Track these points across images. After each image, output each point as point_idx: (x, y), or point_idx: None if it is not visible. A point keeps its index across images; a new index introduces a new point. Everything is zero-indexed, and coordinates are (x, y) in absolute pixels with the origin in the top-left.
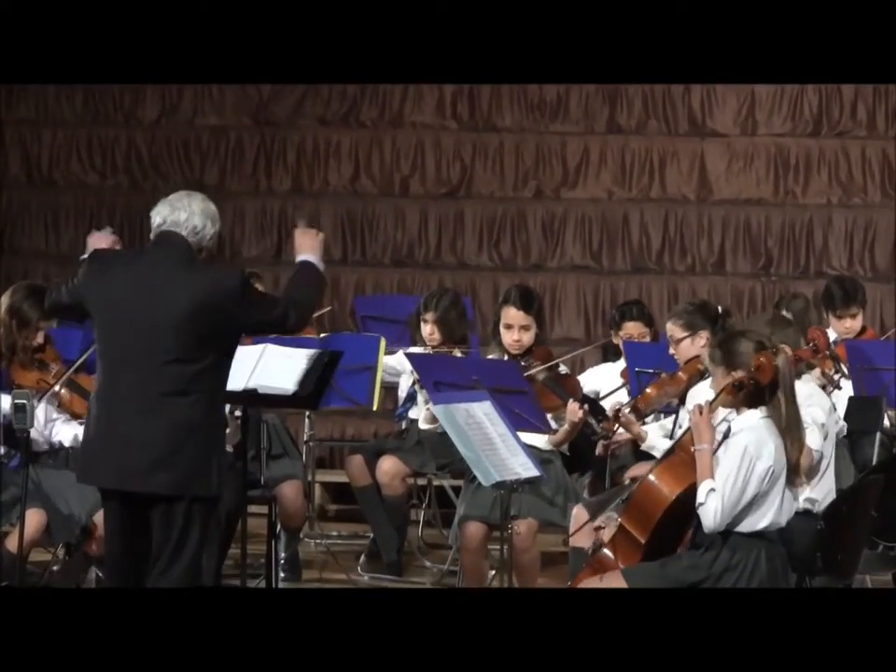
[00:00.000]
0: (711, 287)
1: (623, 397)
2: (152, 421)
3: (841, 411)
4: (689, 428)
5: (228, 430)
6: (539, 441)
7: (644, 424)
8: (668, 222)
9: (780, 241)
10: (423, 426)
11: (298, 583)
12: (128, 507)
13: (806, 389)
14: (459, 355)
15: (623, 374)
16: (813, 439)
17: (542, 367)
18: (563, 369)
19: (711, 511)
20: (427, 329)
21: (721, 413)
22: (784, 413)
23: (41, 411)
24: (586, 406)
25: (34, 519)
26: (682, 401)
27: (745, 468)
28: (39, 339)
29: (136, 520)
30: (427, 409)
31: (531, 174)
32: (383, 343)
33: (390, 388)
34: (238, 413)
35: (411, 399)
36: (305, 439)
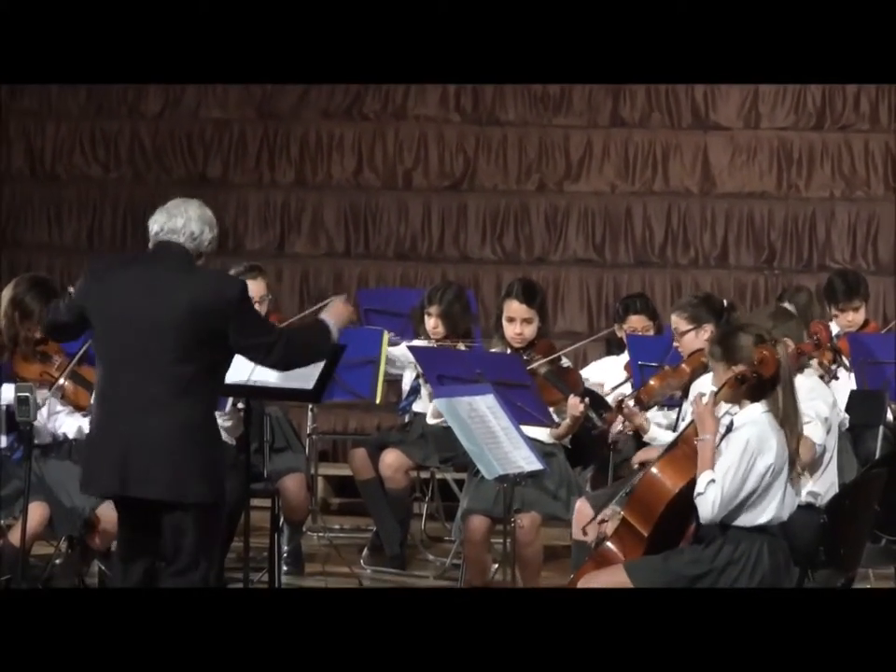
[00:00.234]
0: (714, 280)
1: (627, 390)
2: (151, 422)
3: (840, 402)
4: (692, 421)
5: (231, 423)
6: (542, 434)
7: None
8: (671, 215)
9: (783, 234)
10: (430, 420)
11: (301, 577)
12: (133, 511)
13: (809, 383)
14: (463, 348)
15: (626, 368)
16: (815, 432)
17: (544, 360)
18: (565, 362)
19: (710, 501)
20: (431, 323)
21: (724, 406)
22: (781, 405)
23: (45, 403)
24: (587, 400)
25: (36, 512)
26: (686, 394)
27: (746, 461)
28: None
29: (143, 524)
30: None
31: (534, 167)
32: (386, 336)
33: (393, 381)
34: (241, 405)
35: (414, 392)
36: (308, 432)
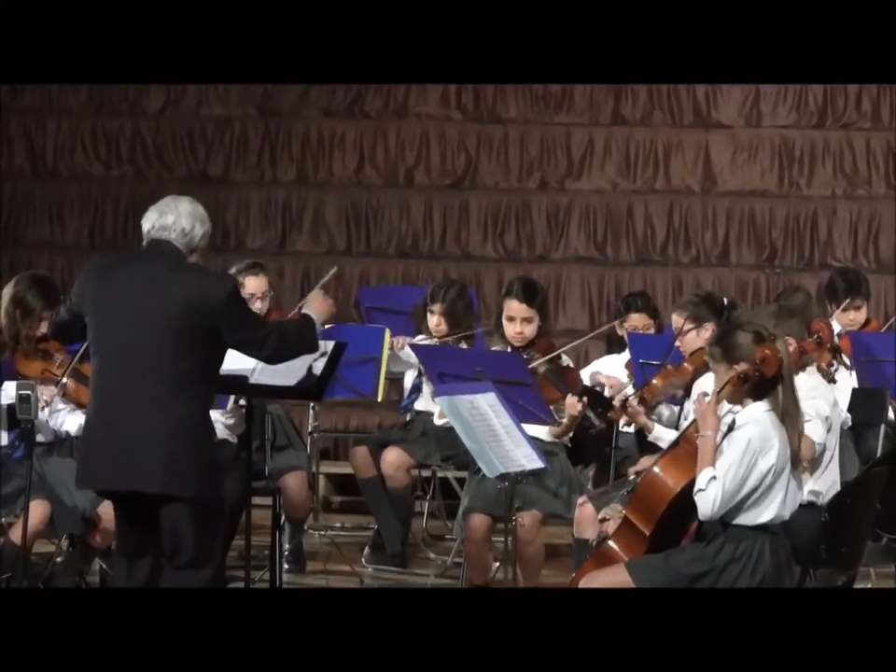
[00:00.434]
0: (716, 278)
1: (628, 389)
2: (145, 418)
3: (842, 402)
4: (694, 420)
5: (233, 421)
6: (542, 433)
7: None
8: (673, 214)
9: (785, 232)
10: (438, 421)
11: (302, 575)
12: (130, 507)
13: (811, 381)
14: (465, 346)
15: (627, 366)
16: (815, 431)
17: (543, 359)
18: (565, 361)
19: (710, 498)
20: (434, 321)
21: (726, 405)
22: (782, 401)
23: (53, 400)
24: (585, 399)
25: (37, 510)
26: (688, 393)
27: (747, 460)
28: (43, 328)
29: (140, 520)
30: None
31: (536, 165)
32: (387, 334)
33: (395, 380)
34: (243, 403)
35: (416, 390)
36: (310, 430)
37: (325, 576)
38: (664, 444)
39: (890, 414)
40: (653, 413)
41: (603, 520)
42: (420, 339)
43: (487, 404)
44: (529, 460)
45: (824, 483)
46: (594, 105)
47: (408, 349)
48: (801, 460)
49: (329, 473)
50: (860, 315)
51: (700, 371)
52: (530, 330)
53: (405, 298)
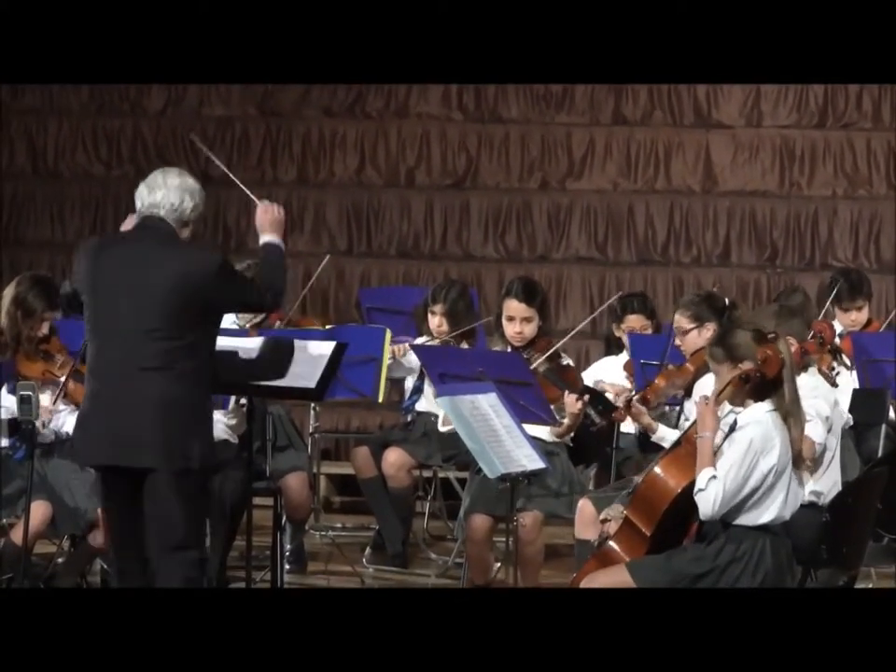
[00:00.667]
0: (716, 278)
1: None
2: (135, 394)
3: (843, 402)
4: (696, 421)
5: (234, 421)
6: (543, 433)
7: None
8: (674, 214)
9: (785, 232)
10: (442, 428)
11: (303, 575)
12: (120, 482)
13: (812, 381)
14: (466, 346)
15: (625, 367)
16: (815, 431)
17: (542, 357)
18: (565, 360)
19: (711, 498)
20: (436, 321)
21: (727, 406)
22: (784, 401)
23: (47, 402)
24: (585, 397)
25: (39, 511)
26: (688, 393)
27: (749, 460)
28: (44, 329)
29: (130, 497)
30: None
31: (536, 165)
32: (388, 334)
33: (396, 380)
34: (243, 403)
35: (417, 391)
36: (311, 430)
37: (326, 576)
38: (667, 445)
39: (891, 414)
40: (663, 417)
41: (604, 520)
42: (422, 341)
43: (488, 404)
44: (530, 460)
45: (825, 484)
46: (594, 105)
47: (410, 355)
48: (802, 460)
49: (330, 474)
50: (861, 316)
51: (702, 370)
52: (530, 330)
53: (406, 298)
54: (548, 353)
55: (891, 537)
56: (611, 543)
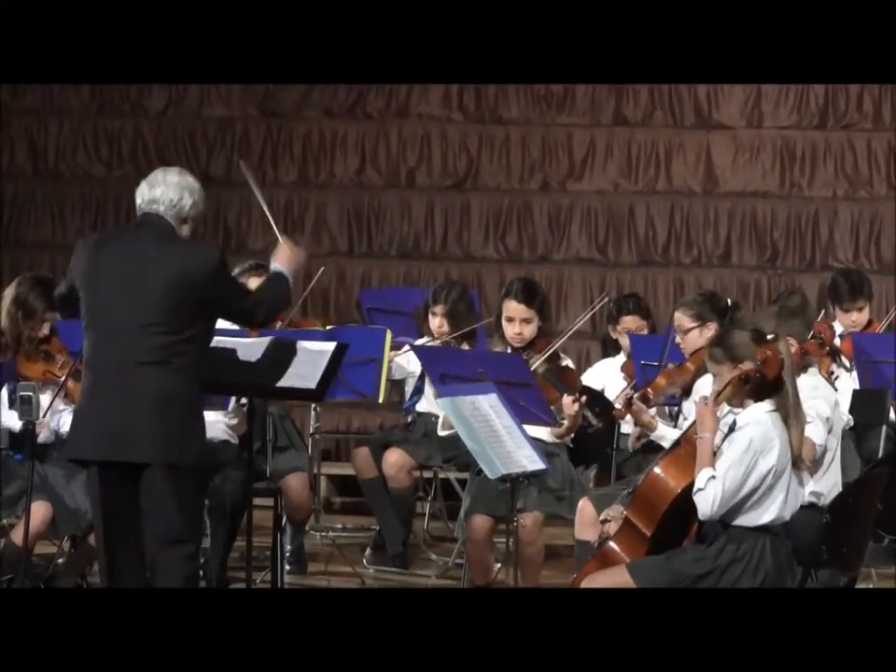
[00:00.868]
0: (717, 279)
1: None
2: (132, 389)
3: (843, 404)
4: (695, 421)
5: (234, 422)
6: (543, 433)
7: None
8: (674, 215)
9: (786, 233)
10: (441, 432)
11: (303, 576)
12: (117, 477)
13: (812, 382)
14: (467, 346)
15: (623, 368)
16: (816, 432)
17: (541, 358)
18: (564, 361)
19: (710, 497)
20: (437, 322)
21: (726, 406)
22: (784, 402)
23: (45, 402)
24: (583, 398)
25: (39, 512)
26: (687, 393)
27: (748, 459)
28: (45, 330)
29: (125, 493)
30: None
31: (537, 166)
32: (388, 335)
33: (397, 381)
34: (244, 402)
35: (418, 392)
36: (311, 431)
37: (326, 577)
38: (666, 444)
39: (892, 415)
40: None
41: (604, 521)
42: (423, 342)
43: (489, 405)
44: (531, 461)
45: (825, 485)
46: (595, 106)
47: (404, 358)
48: (803, 461)
49: (331, 474)
50: (862, 317)
51: (702, 370)
52: (529, 331)
53: (406, 299)
54: (545, 354)
55: (892, 538)
56: (611, 544)
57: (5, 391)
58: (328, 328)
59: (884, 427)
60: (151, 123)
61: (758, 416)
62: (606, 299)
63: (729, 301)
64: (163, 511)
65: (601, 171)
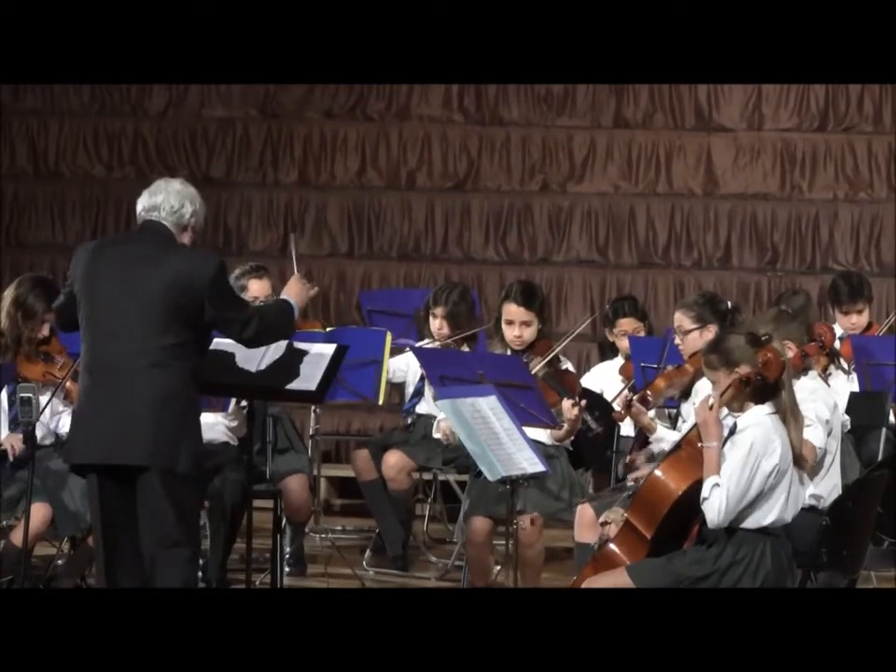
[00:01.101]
0: (717, 281)
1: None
2: (129, 392)
3: (839, 405)
4: (696, 423)
5: (234, 424)
6: (543, 436)
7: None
8: (674, 216)
9: (786, 235)
10: (436, 435)
11: (303, 578)
12: (114, 481)
13: (811, 385)
14: (467, 349)
15: (621, 371)
16: (815, 435)
17: (541, 362)
18: (564, 364)
19: (715, 506)
20: (437, 324)
21: (726, 410)
22: (783, 404)
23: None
24: (582, 402)
25: (39, 513)
26: (685, 395)
27: (751, 464)
28: (45, 331)
29: (121, 498)
30: (441, 421)
31: (537, 167)
32: (389, 337)
33: (397, 383)
34: (244, 404)
35: (418, 394)
36: (311, 433)
37: (326, 579)
38: (665, 445)
39: (892, 418)
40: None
41: (604, 523)
42: (423, 344)
43: (489, 407)
44: (531, 463)
45: (825, 488)
46: (596, 108)
47: (400, 361)
48: (805, 460)
49: (331, 476)
50: (862, 319)
51: (701, 372)
52: (529, 334)
53: (407, 300)
54: (547, 357)
55: (891, 540)
56: (612, 546)
57: (4, 393)
58: (328, 329)
59: (884, 430)
60: (152, 124)
61: (758, 418)
62: (607, 329)
63: (729, 303)
64: (160, 515)
65: (601, 173)
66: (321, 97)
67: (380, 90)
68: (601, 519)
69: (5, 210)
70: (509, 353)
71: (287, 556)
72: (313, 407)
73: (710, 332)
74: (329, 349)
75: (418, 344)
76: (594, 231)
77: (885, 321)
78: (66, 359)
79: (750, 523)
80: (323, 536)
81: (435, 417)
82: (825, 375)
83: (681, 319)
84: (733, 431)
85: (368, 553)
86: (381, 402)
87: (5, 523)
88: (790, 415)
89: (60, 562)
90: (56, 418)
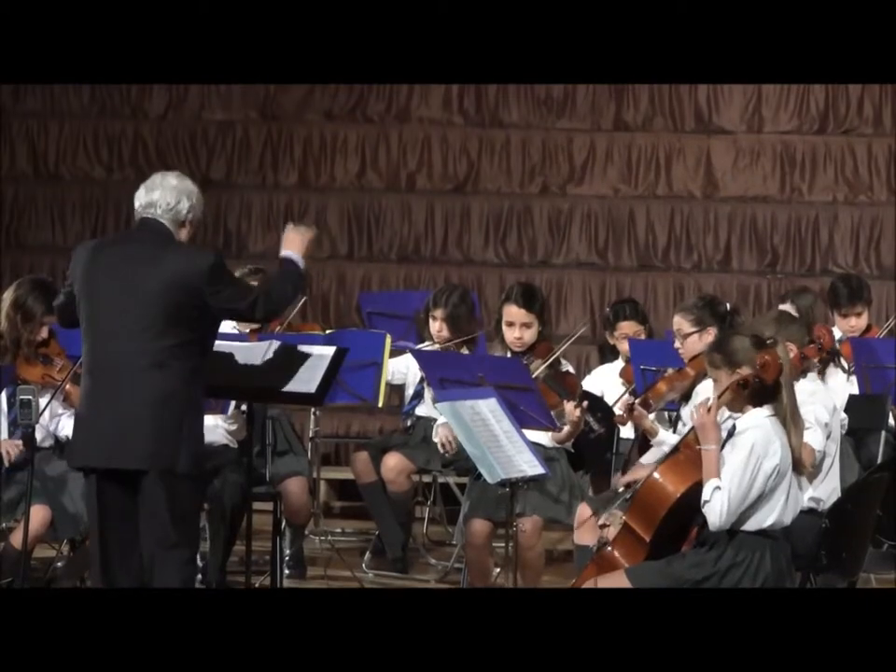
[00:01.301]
0: (717, 284)
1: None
2: (129, 393)
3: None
4: (695, 428)
5: (234, 426)
6: (543, 438)
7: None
8: (674, 219)
9: (786, 238)
10: (435, 438)
11: (302, 580)
12: (114, 484)
13: (810, 387)
14: (466, 352)
15: (621, 374)
16: (815, 438)
17: (542, 364)
18: (565, 366)
19: (717, 509)
20: (436, 326)
21: (726, 412)
22: (782, 407)
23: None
24: (584, 404)
25: (38, 515)
26: (686, 398)
27: (751, 466)
28: (44, 333)
29: (122, 500)
30: (440, 427)
31: (537, 170)
32: (388, 339)
33: (396, 385)
34: (244, 408)
35: (417, 396)
36: (311, 435)
37: (325, 581)
38: (667, 448)
39: (891, 420)
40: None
41: (603, 526)
42: (423, 346)
43: (488, 409)
44: (530, 466)
45: (825, 490)
46: (595, 110)
47: (399, 364)
48: (804, 465)
49: (330, 478)
50: (861, 322)
51: (701, 375)
52: (529, 336)
53: (407, 302)
54: (548, 360)
55: (891, 543)
56: (611, 549)
57: (4, 395)
58: (327, 331)
59: (883, 433)
60: (152, 126)
61: (758, 420)
62: (607, 332)
63: (728, 305)
64: (160, 517)
65: (601, 175)
66: (321, 99)
67: (380, 91)
68: (600, 521)
69: (5, 211)
70: (509, 355)
71: (287, 559)
72: (312, 409)
73: (710, 335)
74: (328, 351)
75: (418, 347)
76: (593, 233)
77: (885, 324)
78: (65, 362)
79: (750, 525)
80: (322, 538)
81: (435, 419)
82: (822, 369)
83: (681, 322)
84: (731, 433)
85: (367, 555)
86: (380, 405)
87: (4, 525)
88: (790, 419)
89: (59, 564)
90: (55, 420)
